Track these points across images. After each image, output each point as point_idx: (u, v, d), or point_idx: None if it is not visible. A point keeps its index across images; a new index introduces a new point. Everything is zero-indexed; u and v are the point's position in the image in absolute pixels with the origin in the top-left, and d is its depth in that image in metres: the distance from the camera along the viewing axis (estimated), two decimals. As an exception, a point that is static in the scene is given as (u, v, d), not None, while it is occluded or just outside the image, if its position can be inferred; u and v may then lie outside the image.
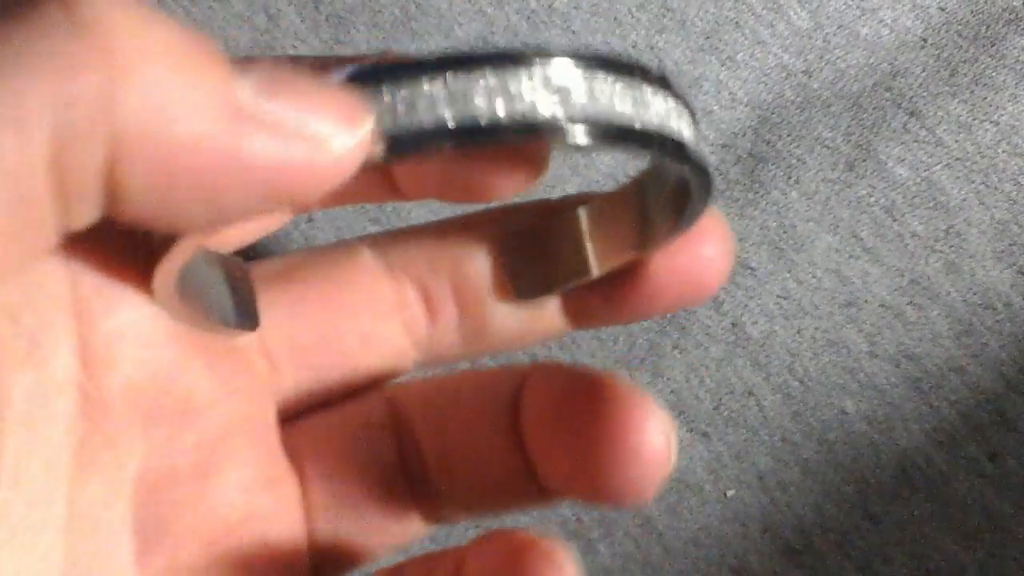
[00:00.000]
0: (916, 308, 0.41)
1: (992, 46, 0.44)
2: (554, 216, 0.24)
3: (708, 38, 0.44)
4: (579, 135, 0.18)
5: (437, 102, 0.17)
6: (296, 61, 0.20)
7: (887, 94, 0.43)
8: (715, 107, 0.43)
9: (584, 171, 0.42)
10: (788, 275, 0.41)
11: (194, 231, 0.18)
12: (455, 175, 0.21)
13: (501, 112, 0.17)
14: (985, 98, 0.43)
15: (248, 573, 0.22)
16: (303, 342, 0.24)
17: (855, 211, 0.42)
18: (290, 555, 0.23)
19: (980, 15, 0.44)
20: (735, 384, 0.40)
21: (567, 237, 0.24)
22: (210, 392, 0.22)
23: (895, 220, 0.42)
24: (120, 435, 0.20)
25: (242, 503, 0.22)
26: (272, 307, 0.23)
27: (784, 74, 0.44)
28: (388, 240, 0.24)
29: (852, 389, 0.40)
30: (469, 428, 0.23)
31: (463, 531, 0.36)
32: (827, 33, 0.44)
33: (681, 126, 0.19)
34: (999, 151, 0.42)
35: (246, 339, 0.23)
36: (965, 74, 0.43)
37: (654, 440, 0.20)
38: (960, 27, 0.44)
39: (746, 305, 0.41)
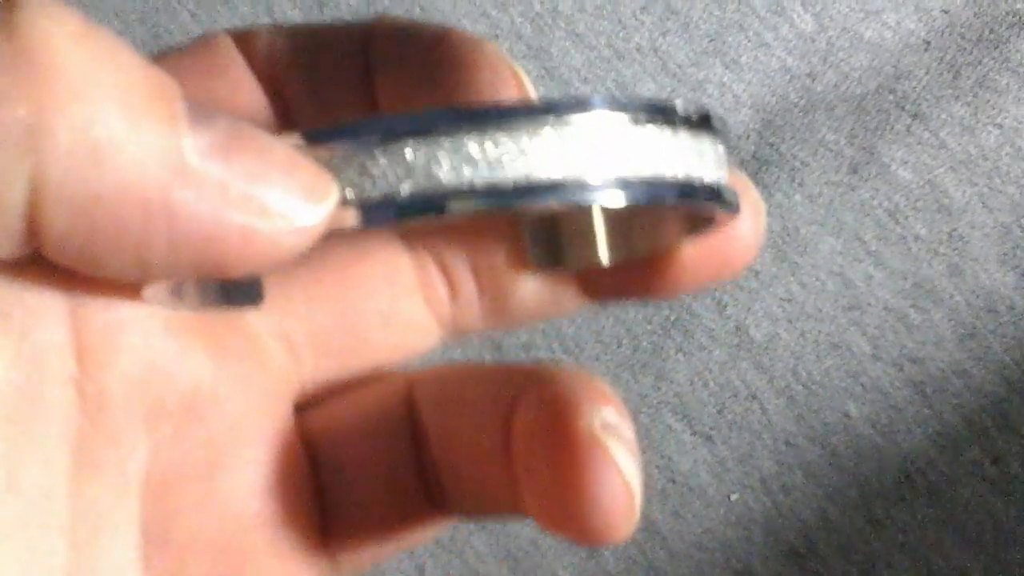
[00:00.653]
0: (919, 311, 0.41)
1: (995, 49, 0.44)
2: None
3: (712, 41, 0.44)
4: (608, 198, 0.17)
5: (442, 166, 0.16)
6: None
7: (890, 97, 0.43)
8: (719, 110, 0.43)
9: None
10: (792, 278, 0.41)
11: (121, 279, 0.17)
12: None
13: (541, 175, 0.16)
14: (988, 101, 0.43)
15: None
16: (323, 326, 0.23)
17: (859, 214, 0.42)
18: (302, 557, 0.22)
19: (983, 18, 0.44)
20: (738, 387, 0.40)
21: (580, 224, 0.23)
22: (218, 386, 0.21)
23: (898, 223, 0.42)
24: (122, 432, 0.20)
25: (252, 504, 0.22)
26: (288, 291, 0.22)
27: (788, 77, 0.44)
28: None
29: (855, 392, 0.40)
30: (468, 433, 0.22)
31: (463, 531, 0.36)
32: (831, 36, 0.44)
33: (720, 174, 0.18)
34: (1002, 154, 0.42)
35: (261, 326, 0.22)
36: (968, 77, 0.43)
37: (612, 491, 0.19)
38: (963, 30, 0.44)
39: (750, 308, 0.41)
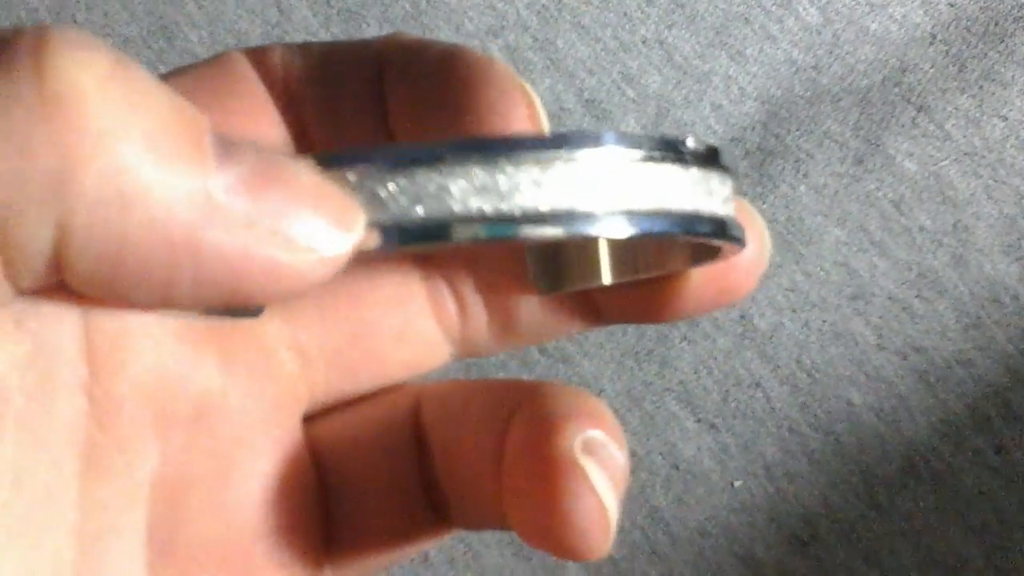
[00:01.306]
0: (924, 301, 0.41)
1: (1001, 42, 0.44)
2: None
3: (718, 33, 0.44)
4: (615, 230, 0.17)
5: (453, 195, 0.16)
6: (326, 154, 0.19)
7: (896, 89, 0.43)
8: (724, 102, 0.43)
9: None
10: (796, 268, 0.41)
11: (145, 311, 0.17)
12: None
13: (544, 207, 0.16)
14: (994, 93, 0.43)
15: None
16: (336, 339, 0.23)
17: (863, 205, 0.42)
18: (304, 567, 0.22)
19: (989, 11, 0.44)
20: (743, 376, 0.40)
21: (585, 250, 0.23)
22: (228, 395, 0.21)
23: (903, 214, 0.42)
24: (131, 439, 0.20)
25: (258, 514, 0.22)
26: (303, 305, 0.23)
27: (793, 69, 0.44)
28: None
29: (859, 381, 0.40)
30: (467, 446, 0.22)
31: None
32: (836, 29, 0.44)
33: (727, 209, 0.19)
34: (1007, 146, 0.42)
35: (274, 337, 0.22)
36: (974, 70, 0.44)
37: (586, 510, 0.19)
38: (969, 23, 0.44)
39: (754, 297, 0.41)
